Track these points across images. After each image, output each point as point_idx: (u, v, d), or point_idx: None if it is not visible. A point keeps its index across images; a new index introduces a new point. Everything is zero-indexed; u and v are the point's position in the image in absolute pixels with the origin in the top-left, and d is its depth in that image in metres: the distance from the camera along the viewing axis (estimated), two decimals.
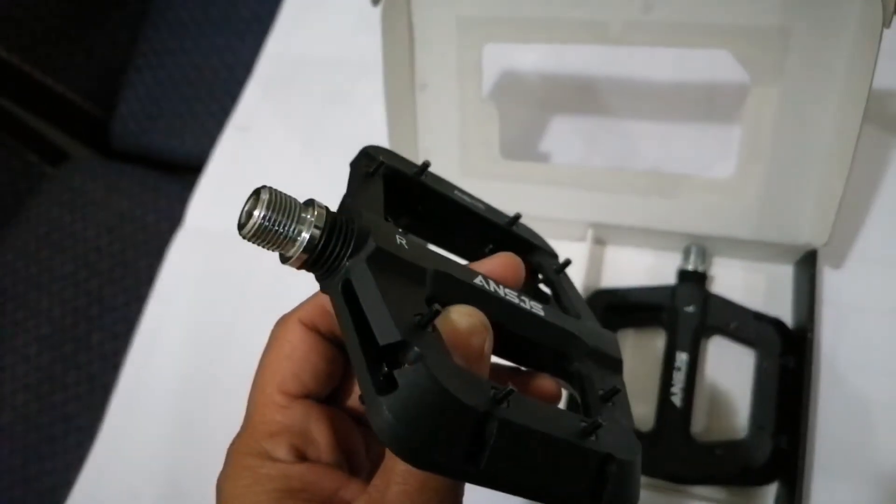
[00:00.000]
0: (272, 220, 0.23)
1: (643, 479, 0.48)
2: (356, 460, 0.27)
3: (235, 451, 0.25)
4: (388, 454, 0.22)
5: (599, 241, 0.56)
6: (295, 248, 0.23)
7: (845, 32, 0.41)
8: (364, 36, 0.71)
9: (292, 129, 0.70)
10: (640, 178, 0.53)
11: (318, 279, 0.25)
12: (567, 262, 0.35)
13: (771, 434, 0.47)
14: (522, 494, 0.22)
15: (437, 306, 0.23)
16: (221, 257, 0.67)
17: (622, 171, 0.53)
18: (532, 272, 0.33)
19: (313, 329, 0.26)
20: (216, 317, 0.64)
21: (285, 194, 0.24)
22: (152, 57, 1.09)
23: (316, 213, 0.24)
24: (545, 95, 0.64)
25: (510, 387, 0.22)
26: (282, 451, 0.25)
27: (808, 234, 0.48)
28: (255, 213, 0.23)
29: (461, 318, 0.23)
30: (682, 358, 0.50)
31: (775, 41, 0.43)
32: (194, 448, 0.60)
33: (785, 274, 0.52)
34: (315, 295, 0.27)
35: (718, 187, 0.50)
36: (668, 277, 0.54)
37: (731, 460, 0.47)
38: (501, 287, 0.27)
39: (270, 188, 0.24)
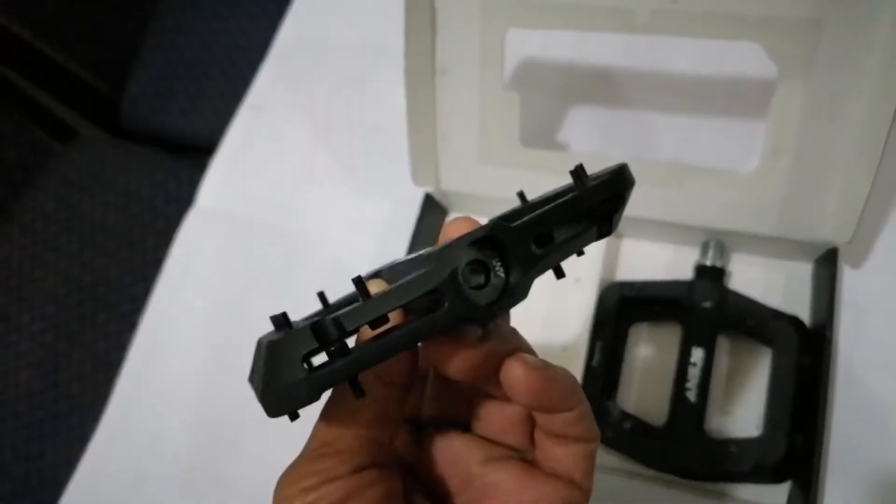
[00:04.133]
0: None
1: (654, 475, 0.48)
2: None
3: None
4: None
5: (616, 233, 0.56)
6: None
7: (878, 26, 0.41)
8: (381, 20, 0.70)
9: (307, 111, 0.70)
10: (660, 169, 0.52)
11: None
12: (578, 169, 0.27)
13: (786, 432, 0.46)
14: None
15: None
16: (233, 238, 0.66)
17: (642, 163, 0.52)
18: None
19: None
20: (227, 298, 0.64)
21: None
22: (164, 37, 1.08)
23: None
24: (565, 84, 0.63)
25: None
26: None
27: (831, 231, 0.47)
28: None
29: None
30: (697, 353, 0.49)
31: (806, 33, 0.43)
32: (204, 432, 0.59)
33: (803, 272, 0.52)
34: None
35: (740, 182, 0.50)
36: (686, 272, 0.53)
37: (745, 457, 0.46)
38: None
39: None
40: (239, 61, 1.03)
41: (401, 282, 0.22)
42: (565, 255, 0.25)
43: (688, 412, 0.48)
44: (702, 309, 0.50)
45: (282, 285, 0.63)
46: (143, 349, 0.64)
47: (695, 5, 0.45)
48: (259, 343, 0.23)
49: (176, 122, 1.04)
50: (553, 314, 0.54)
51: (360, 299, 0.22)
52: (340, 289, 0.60)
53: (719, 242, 0.52)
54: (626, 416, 0.49)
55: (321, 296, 0.27)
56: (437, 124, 0.55)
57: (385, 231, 0.62)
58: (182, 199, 0.95)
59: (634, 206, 0.52)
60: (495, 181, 0.55)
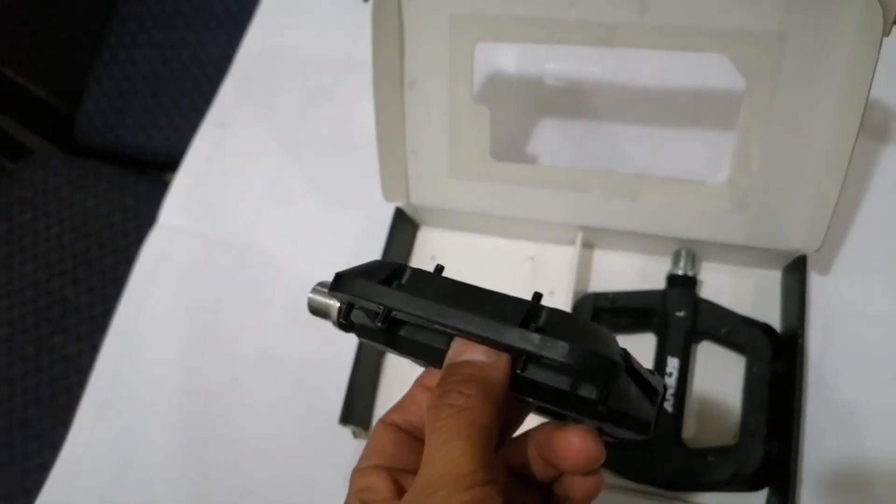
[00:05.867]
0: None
1: (634, 486, 0.48)
2: None
3: None
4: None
5: (588, 245, 0.56)
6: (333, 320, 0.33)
7: (844, 39, 0.41)
8: (345, 34, 0.70)
9: (272, 127, 0.69)
10: (631, 181, 0.52)
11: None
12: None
13: (762, 440, 0.47)
14: None
15: None
16: (198, 257, 0.65)
17: (613, 174, 0.52)
18: None
19: (392, 425, 0.31)
20: (194, 319, 0.62)
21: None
22: (120, 51, 1.06)
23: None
24: (534, 97, 0.63)
25: None
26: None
27: (800, 240, 0.48)
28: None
29: None
30: (672, 363, 0.49)
31: (773, 46, 0.43)
32: (173, 460, 0.58)
33: (772, 279, 0.53)
34: (398, 402, 0.32)
35: (710, 192, 0.50)
36: (658, 282, 0.53)
37: (722, 466, 0.46)
38: None
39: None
40: (198, 76, 1.01)
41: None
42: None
43: (665, 423, 0.48)
44: (675, 318, 0.50)
45: (250, 304, 0.61)
46: (106, 373, 0.62)
47: (663, 18, 0.45)
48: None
49: (133, 138, 1.02)
50: None
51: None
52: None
53: (690, 251, 0.53)
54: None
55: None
56: (406, 139, 0.54)
57: (355, 246, 0.61)
58: (141, 216, 0.93)
59: (607, 217, 0.52)
60: (466, 195, 0.55)
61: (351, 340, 0.54)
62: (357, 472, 0.29)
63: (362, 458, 0.30)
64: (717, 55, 0.45)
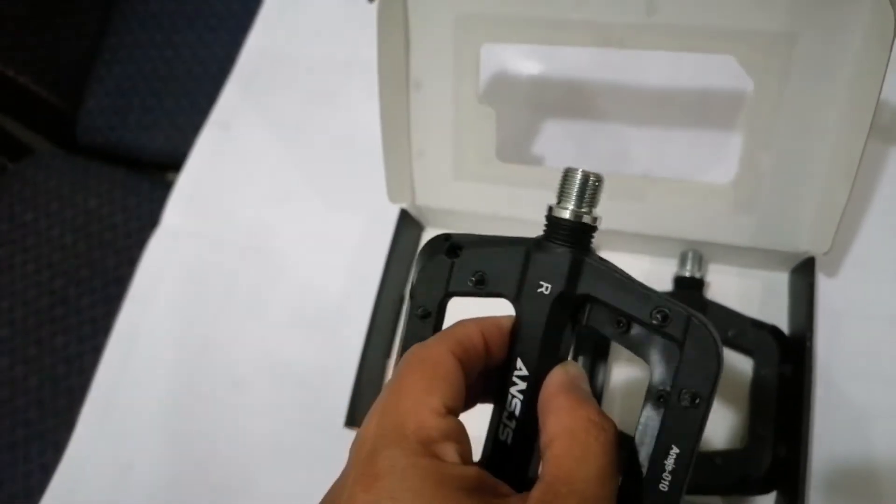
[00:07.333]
0: (590, 184, 0.31)
1: None
2: None
3: (389, 453, 0.25)
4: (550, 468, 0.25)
5: (593, 246, 0.55)
6: (571, 209, 0.30)
7: (854, 41, 0.41)
8: (351, 33, 0.70)
9: (275, 127, 0.68)
10: (637, 182, 0.52)
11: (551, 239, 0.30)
12: None
13: (770, 443, 0.46)
14: None
15: None
16: (201, 258, 0.64)
17: (619, 175, 0.52)
18: None
19: (458, 361, 0.28)
20: (197, 321, 0.62)
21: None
22: (121, 50, 1.05)
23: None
24: (540, 98, 0.63)
25: None
26: (451, 454, 0.25)
27: (809, 242, 0.48)
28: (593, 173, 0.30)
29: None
30: None
31: (781, 47, 0.43)
32: (175, 462, 0.57)
33: (780, 281, 0.52)
34: (453, 332, 0.29)
35: (717, 193, 0.50)
36: (665, 284, 0.53)
37: (730, 470, 0.46)
38: None
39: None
40: (200, 75, 1.01)
41: None
42: None
43: None
44: None
45: (253, 305, 0.61)
46: (109, 375, 0.62)
47: (670, 19, 0.45)
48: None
49: (135, 138, 1.01)
50: None
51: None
52: (314, 308, 0.59)
53: (697, 253, 0.52)
54: None
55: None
56: (411, 140, 0.54)
57: (359, 248, 0.61)
58: (143, 216, 0.93)
59: (613, 218, 0.52)
60: (471, 196, 0.55)
61: (356, 342, 0.54)
62: (441, 410, 0.26)
63: (440, 387, 0.27)
64: (724, 56, 0.44)
